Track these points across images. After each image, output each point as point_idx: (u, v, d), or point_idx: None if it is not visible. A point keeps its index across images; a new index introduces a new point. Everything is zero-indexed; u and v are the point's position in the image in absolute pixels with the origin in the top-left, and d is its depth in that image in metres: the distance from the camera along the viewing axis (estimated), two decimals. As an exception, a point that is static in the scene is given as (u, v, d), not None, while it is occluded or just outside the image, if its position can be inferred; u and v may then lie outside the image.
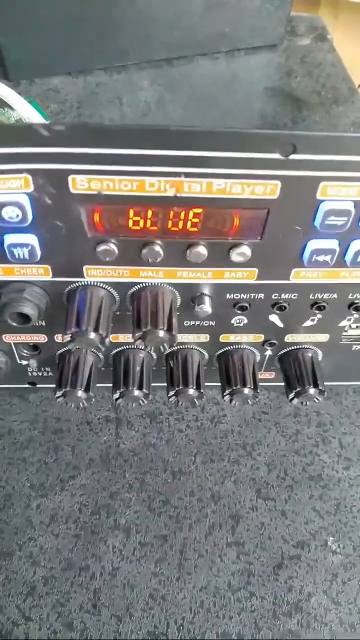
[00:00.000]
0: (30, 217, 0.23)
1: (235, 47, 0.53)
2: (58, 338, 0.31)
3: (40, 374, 0.34)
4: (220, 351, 0.32)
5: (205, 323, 0.30)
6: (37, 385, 0.35)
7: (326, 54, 0.55)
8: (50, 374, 0.34)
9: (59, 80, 0.50)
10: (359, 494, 0.34)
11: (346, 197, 0.23)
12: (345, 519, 0.33)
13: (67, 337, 0.26)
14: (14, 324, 0.27)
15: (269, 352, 0.33)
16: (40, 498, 0.32)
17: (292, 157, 0.22)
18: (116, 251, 0.25)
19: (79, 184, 0.22)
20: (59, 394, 0.30)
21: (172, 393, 0.31)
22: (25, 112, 0.34)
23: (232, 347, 0.32)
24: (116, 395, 0.31)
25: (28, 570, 0.31)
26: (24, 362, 0.32)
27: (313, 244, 0.25)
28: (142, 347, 0.27)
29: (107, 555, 0.31)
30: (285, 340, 0.32)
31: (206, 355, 0.33)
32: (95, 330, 0.26)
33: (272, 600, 0.30)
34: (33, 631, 0.29)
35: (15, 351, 0.32)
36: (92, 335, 0.26)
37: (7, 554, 0.31)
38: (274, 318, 0.30)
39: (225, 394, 0.32)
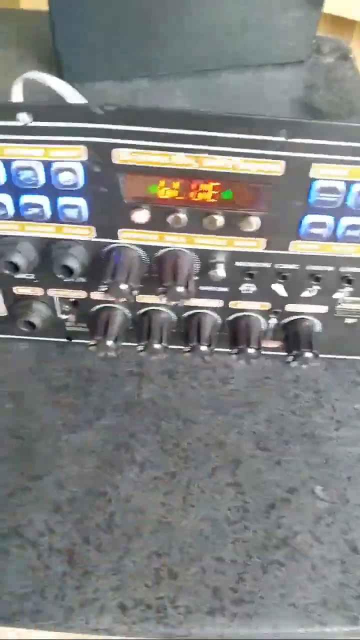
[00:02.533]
0: (81, 182, 0.29)
1: (265, 62, 0.59)
2: (95, 295, 0.36)
3: (76, 329, 0.39)
4: (231, 317, 0.37)
5: (219, 289, 0.35)
6: (73, 340, 0.40)
7: (347, 71, 0.60)
8: (85, 329, 0.39)
9: (105, 85, 0.57)
10: (347, 451, 0.38)
11: (336, 178, 0.28)
12: (332, 472, 0.37)
13: (104, 288, 0.32)
14: (60, 275, 0.33)
15: (273, 321, 0.37)
16: (69, 433, 0.38)
17: (292, 140, 0.27)
18: (146, 216, 0.30)
19: (121, 156, 0.28)
20: (92, 343, 0.36)
21: (187, 349, 0.36)
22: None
23: (241, 313, 0.37)
24: (140, 348, 0.36)
25: (55, 492, 0.36)
26: (64, 316, 0.38)
27: (309, 219, 0.30)
28: (164, 301, 0.32)
29: (123, 484, 0.36)
30: (287, 309, 0.36)
31: (219, 320, 0.38)
32: (126, 282, 0.31)
33: (263, 534, 0.35)
34: (56, 542, 0.34)
35: (57, 305, 0.37)
36: (124, 287, 0.31)
37: (38, 477, 0.36)
38: (277, 287, 0.35)
39: (232, 352, 0.36)
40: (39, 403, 0.39)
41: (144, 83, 0.57)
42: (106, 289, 0.32)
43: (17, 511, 0.35)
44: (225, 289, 0.35)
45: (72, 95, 0.43)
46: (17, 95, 0.46)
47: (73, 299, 0.37)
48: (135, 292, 0.32)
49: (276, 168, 0.28)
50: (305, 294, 0.35)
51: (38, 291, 0.36)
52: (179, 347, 0.37)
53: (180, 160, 0.28)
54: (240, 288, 0.35)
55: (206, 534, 0.35)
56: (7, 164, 0.28)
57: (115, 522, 0.35)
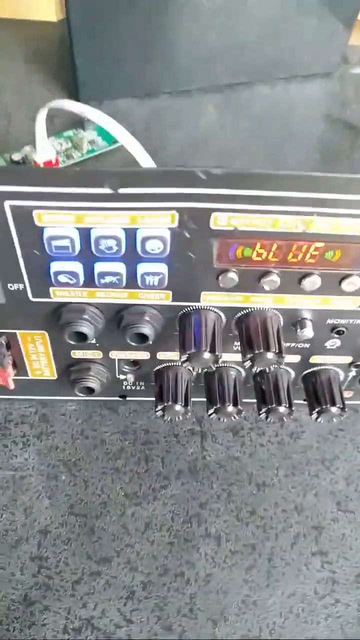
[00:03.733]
0: (168, 249, 0.25)
1: (293, 74, 0.56)
2: (160, 355, 0.33)
3: (133, 387, 0.35)
4: (308, 371, 0.34)
5: (301, 345, 0.32)
6: (127, 398, 0.37)
7: (379, 83, 0.57)
8: (142, 388, 0.35)
9: (125, 102, 0.53)
10: None
11: None
12: None
13: (184, 357, 0.28)
14: (133, 343, 0.29)
15: (352, 373, 0.35)
16: (135, 506, 0.34)
17: None
18: (236, 280, 0.27)
19: (219, 221, 0.24)
20: (159, 408, 0.32)
21: (263, 410, 0.33)
22: (125, 140, 0.36)
23: (318, 367, 0.34)
24: (211, 411, 0.33)
25: (127, 576, 0.32)
26: (122, 377, 0.34)
27: None
28: (248, 367, 0.29)
29: (200, 562, 0.33)
30: (371, 362, 0.34)
31: (292, 374, 0.35)
32: (211, 351, 0.28)
33: (355, 607, 0.32)
34: (135, 633, 0.31)
35: (116, 366, 0.33)
36: (208, 355, 0.28)
37: (106, 560, 0.33)
38: (364, 342, 0.32)
39: (313, 412, 0.34)
40: (96, 473, 0.35)
41: (168, 100, 0.53)
42: (187, 358, 0.28)
43: (88, 600, 0.32)
44: (307, 345, 0.32)
45: (106, 122, 0.38)
46: (41, 127, 0.42)
47: (134, 360, 0.33)
48: (220, 359, 0.28)
49: (391, 228, 0.25)
50: (393, 347, 0.32)
51: (97, 354, 0.32)
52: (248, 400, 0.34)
53: (287, 224, 0.24)
54: (325, 344, 0.32)
55: (296, 611, 0.32)
56: (85, 232, 0.24)
57: (197, 605, 0.32)
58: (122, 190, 0.23)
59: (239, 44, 0.53)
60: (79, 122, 0.50)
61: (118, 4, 0.47)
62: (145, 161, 0.35)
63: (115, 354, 0.32)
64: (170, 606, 0.32)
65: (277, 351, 0.28)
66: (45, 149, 0.44)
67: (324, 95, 0.56)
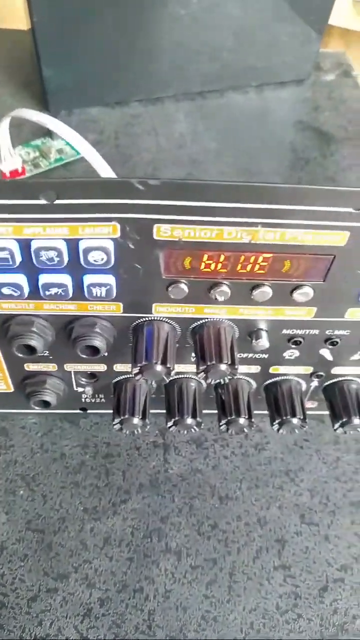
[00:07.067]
0: (112, 260, 0.25)
1: (265, 81, 0.55)
2: (117, 367, 0.32)
3: (93, 400, 0.35)
4: (269, 382, 0.34)
5: (259, 356, 0.32)
6: (88, 411, 0.36)
7: (352, 90, 0.57)
8: (102, 400, 0.35)
9: (96, 111, 0.52)
10: None
11: None
12: (385, 544, 0.34)
13: (136, 370, 0.28)
14: (84, 356, 0.29)
15: (314, 383, 0.34)
16: (94, 521, 0.34)
17: (362, 211, 0.23)
18: (186, 291, 0.27)
19: (162, 232, 0.24)
20: (116, 421, 0.32)
21: (223, 422, 0.33)
22: (83, 150, 0.36)
23: (280, 377, 0.34)
24: (170, 424, 0.32)
25: (84, 592, 0.32)
26: (80, 389, 0.34)
27: (372, 287, 0.27)
28: (203, 379, 0.29)
29: (160, 577, 0.32)
30: (332, 372, 0.33)
31: (254, 385, 0.34)
32: (163, 363, 0.27)
33: (318, 622, 0.32)
34: (91, 651, 0.30)
35: (73, 379, 0.33)
36: (160, 367, 0.28)
37: (63, 576, 0.32)
38: (324, 352, 0.31)
39: (274, 423, 0.33)
40: (55, 487, 0.35)
41: (140, 107, 0.53)
42: (138, 370, 0.28)
43: (43, 618, 0.31)
44: (265, 356, 0.32)
45: (65, 132, 0.38)
46: (4, 136, 0.41)
47: (91, 372, 0.33)
48: (172, 371, 0.28)
49: (339, 239, 0.24)
50: (355, 357, 0.32)
51: (52, 367, 0.32)
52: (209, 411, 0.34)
53: (231, 235, 0.24)
54: (284, 354, 0.31)
55: (257, 627, 0.31)
56: (25, 243, 0.24)
57: (155, 622, 0.31)
58: (58, 202, 0.22)
59: (212, 52, 0.52)
60: (48, 131, 0.49)
61: (86, 11, 0.47)
62: (104, 170, 0.35)
63: (70, 367, 0.32)
64: (127, 623, 0.31)
65: (229, 362, 0.28)
66: (11, 159, 0.44)
67: (297, 102, 0.55)
